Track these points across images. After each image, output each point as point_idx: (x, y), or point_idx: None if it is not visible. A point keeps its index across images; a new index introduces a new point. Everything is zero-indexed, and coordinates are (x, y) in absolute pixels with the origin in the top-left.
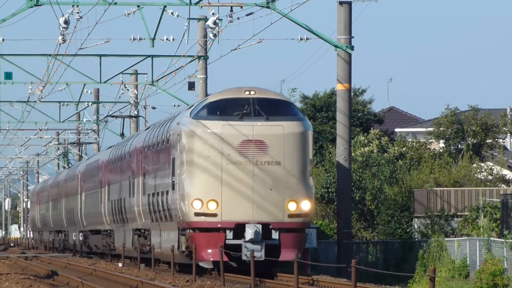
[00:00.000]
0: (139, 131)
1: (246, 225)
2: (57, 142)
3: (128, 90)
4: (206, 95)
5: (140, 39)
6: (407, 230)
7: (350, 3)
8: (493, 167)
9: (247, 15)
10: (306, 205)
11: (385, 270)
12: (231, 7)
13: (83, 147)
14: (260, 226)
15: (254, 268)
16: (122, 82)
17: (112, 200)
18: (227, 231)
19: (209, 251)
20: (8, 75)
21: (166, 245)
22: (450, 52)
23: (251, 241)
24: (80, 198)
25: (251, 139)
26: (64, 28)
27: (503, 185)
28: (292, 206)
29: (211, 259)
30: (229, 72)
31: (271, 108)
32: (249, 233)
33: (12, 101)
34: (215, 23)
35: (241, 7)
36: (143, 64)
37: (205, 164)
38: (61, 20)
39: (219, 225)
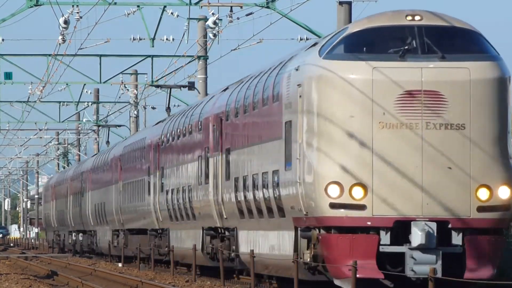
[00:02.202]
0: (206, 97)
1: (412, 223)
2: (57, 142)
3: (128, 90)
4: (206, 95)
5: (140, 39)
6: None
7: (350, 3)
8: None
9: (247, 15)
10: (505, 193)
11: None
12: (231, 7)
13: (84, 146)
14: (434, 225)
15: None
16: (122, 82)
17: (169, 189)
18: (382, 232)
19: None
20: (8, 75)
21: (273, 251)
22: None
23: (421, 247)
24: (115, 189)
25: (419, 89)
26: (64, 28)
27: None
28: (483, 194)
29: (357, 276)
30: (229, 72)
31: (449, 41)
32: (417, 236)
33: (12, 101)
34: (215, 23)
35: (241, 7)
36: (143, 64)
37: (346, 129)
38: (61, 20)
39: (368, 223)
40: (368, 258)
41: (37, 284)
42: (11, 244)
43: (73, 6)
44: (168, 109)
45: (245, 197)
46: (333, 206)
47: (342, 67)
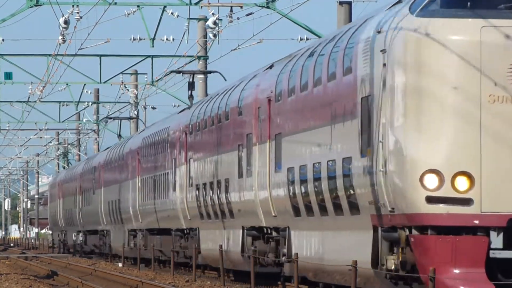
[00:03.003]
0: (243, 78)
1: None
2: (57, 142)
3: (128, 90)
4: (206, 95)
5: (140, 39)
6: None
7: (350, 3)
8: None
9: (247, 15)
10: None
11: None
12: (231, 7)
13: (84, 146)
14: None
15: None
16: (122, 82)
17: (199, 184)
18: (492, 234)
19: (457, 271)
20: (8, 75)
21: (340, 255)
22: None
23: None
24: (132, 185)
25: None
26: (64, 28)
27: None
28: None
29: None
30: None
31: None
32: None
33: (12, 101)
34: (215, 23)
35: (241, 7)
36: (143, 64)
37: (447, 104)
38: (61, 20)
39: (476, 222)
40: (475, 266)
41: (37, 284)
42: (11, 244)
43: (73, 6)
44: (190, 96)
45: (302, 191)
46: (430, 200)
47: (441, 27)
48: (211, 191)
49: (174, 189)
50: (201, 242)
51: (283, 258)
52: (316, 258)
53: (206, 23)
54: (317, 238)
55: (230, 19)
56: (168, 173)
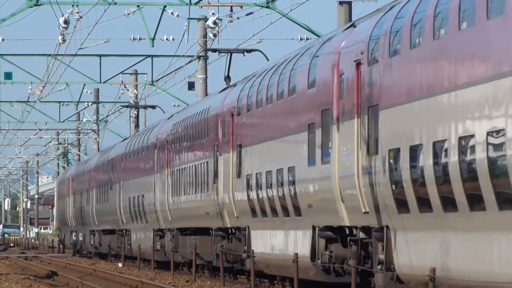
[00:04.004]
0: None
1: None
2: (57, 142)
3: (128, 90)
4: (206, 95)
5: (140, 39)
6: None
7: (350, 3)
8: None
9: (247, 15)
10: None
11: None
12: (231, 7)
13: (84, 146)
14: None
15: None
16: (122, 82)
17: (251, 174)
18: None
19: None
20: (8, 75)
21: (487, 265)
22: None
23: None
24: (160, 178)
25: None
26: (64, 28)
27: None
28: None
29: None
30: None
31: None
32: None
33: (12, 101)
34: (215, 23)
35: (241, 7)
36: (143, 64)
37: None
38: (61, 20)
39: None
40: None
41: (37, 284)
42: (11, 244)
43: (73, 6)
44: (227, 77)
45: (415, 178)
46: None
47: None
48: (267, 183)
49: (216, 181)
50: (252, 244)
51: (379, 267)
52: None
53: (206, 23)
54: (438, 241)
55: (230, 19)
56: (207, 162)
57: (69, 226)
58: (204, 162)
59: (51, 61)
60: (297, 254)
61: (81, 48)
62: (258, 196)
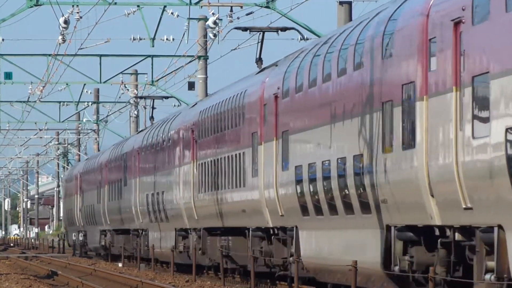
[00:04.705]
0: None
1: None
2: (57, 142)
3: (128, 90)
4: (206, 95)
5: (140, 39)
6: None
7: (350, 3)
8: None
9: (247, 15)
10: None
11: None
12: (231, 7)
13: (84, 146)
14: None
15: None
16: (122, 82)
17: (303, 165)
18: None
19: None
20: (8, 75)
21: None
22: None
23: None
24: (184, 172)
25: None
26: (64, 28)
27: None
28: None
29: None
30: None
31: None
32: None
33: (12, 101)
34: (215, 23)
35: (241, 7)
36: (143, 64)
37: None
38: (61, 20)
39: None
40: None
41: (37, 284)
42: (11, 244)
43: (73, 6)
44: (259, 59)
45: None
46: None
47: None
48: (321, 174)
49: (256, 175)
50: (300, 247)
51: (487, 275)
52: None
53: (206, 23)
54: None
55: (230, 19)
56: (243, 153)
57: (77, 225)
58: (239, 153)
59: (51, 61)
60: (360, 258)
61: (81, 48)
62: (310, 190)
